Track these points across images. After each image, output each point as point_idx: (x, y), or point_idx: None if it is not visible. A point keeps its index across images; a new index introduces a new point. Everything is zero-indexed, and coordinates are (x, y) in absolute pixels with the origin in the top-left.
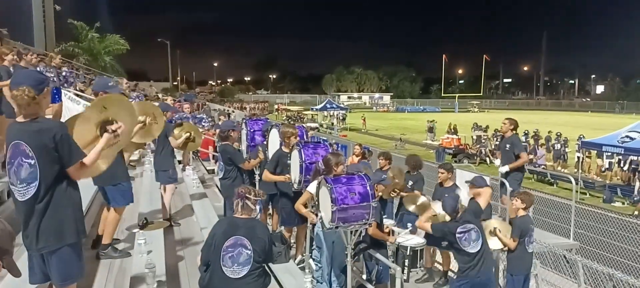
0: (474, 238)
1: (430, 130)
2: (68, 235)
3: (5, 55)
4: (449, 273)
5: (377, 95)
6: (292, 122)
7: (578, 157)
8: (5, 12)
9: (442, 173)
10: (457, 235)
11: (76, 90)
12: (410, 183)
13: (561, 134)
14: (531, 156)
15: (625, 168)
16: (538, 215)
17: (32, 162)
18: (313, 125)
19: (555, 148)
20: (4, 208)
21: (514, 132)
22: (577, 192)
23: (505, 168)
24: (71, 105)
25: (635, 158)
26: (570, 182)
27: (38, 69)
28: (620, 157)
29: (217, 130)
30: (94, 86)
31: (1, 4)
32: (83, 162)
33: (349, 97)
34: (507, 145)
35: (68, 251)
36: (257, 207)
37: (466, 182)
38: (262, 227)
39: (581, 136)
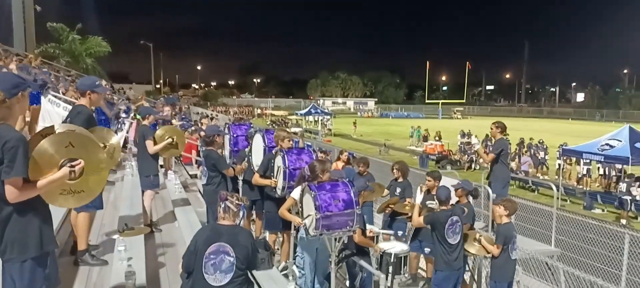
0: (457, 231)
1: (425, 139)
2: (31, 248)
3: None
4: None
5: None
6: (276, 127)
7: (559, 164)
8: None
9: (429, 180)
10: (447, 225)
11: (57, 92)
12: (399, 190)
13: (543, 141)
14: (513, 163)
15: (607, 174)
16: (519, 221)
17: None
18: (297, 130)
19: (539, 155)
20: None
21: (503, 135)
22: (558, 199)
23: None
24: (50, 107)
25: (619, 166)
26: (551, 189)
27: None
28: (600, 165)
29: (202, 134)
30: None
31: None
32: (27, 183)
33: (334, 102)
34: (490, 147)
35: (31, 264)
36: (240, 213)
37: (452, 185)
38: (246, 234)
39: (564, 144)
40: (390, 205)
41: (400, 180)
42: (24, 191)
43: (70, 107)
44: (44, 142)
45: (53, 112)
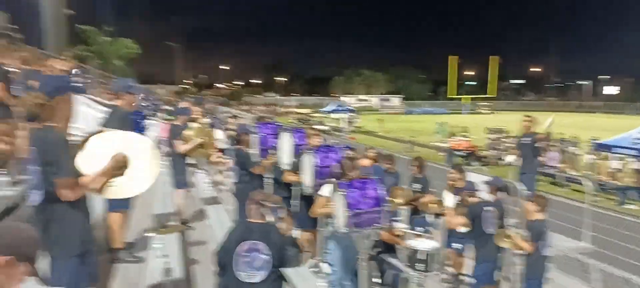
0: (493, 221)
1: (453, 135)
2: (74, 247)
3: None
4: (461, 276)
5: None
6: (302, 124)
7: (590, 159)
8: (17, 17)
9: (453, 174)
10: (483, 215)
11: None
12: (418, 186)
13: (577, 137)
14: (542, 158)
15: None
16: (550, 217)
17: (35, 169)
18: (322, 127)
19: (569, 150)
20: (22, 212)
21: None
22: (590, 194)
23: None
24: (85, 109)
25: None
26: (582, 184)
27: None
28: (633, 159)
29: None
30: (114, 87)
31: (13, 8)
32: (77, 182)
33: (358, 100)
34: (528, 139)
35: (74, 261)
36: (273, 214)
37: (484, 182)
38: (277, 232)
39: (595, 138)
40: (411, 202)
41: (419, 175)
42: (76, 189)
43: (103, 108)
44: (91, 142)
45: (87, 113)
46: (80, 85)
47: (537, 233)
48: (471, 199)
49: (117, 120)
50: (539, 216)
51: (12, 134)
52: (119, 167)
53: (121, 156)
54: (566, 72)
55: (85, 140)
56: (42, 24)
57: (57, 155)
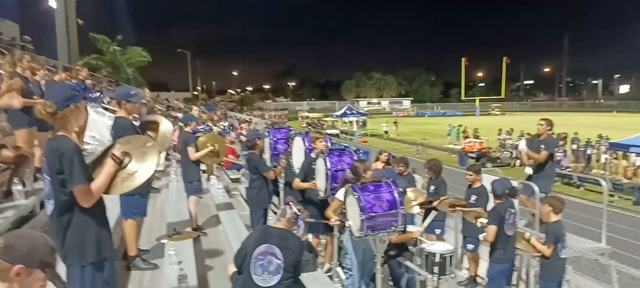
0: (512, 222)
1: (466, 137)
2: (89, 254)
3: (36, 71)
4: (477, 279)
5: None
6: (312, 129)
7: (605, 159)
8: (29, 27)
9: (470, 175)
10: (506, 217)
11: (104, 103)
12: (433, 188)
13: (603, 136)
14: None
15: None
16: (567, 218)
17: (48, 178)
18: (333, 131)
19: (587, 151)
20: (36, 221)
21: (550, 132)
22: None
23: (529, 171)
24: (96, 117)
25: None
26: (598, 184)
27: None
28: None
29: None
30: (116, 95)
31: (26, 19)
32: (90, 187)
33: (369, 103)
34: (542, 146)
35: (90, 269)
36: (297, 222)
37: (491, 182)
38: (295, 240)
39: (606, 137)
40: (425, 204)
41: (434, 178)
42: (92, 194)
43: (113, 116)
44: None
45: (99, 121)
46: (96, 94)
47: (554, 235)
48: (496, 200)
49: (120, 129)
50: (555, 218)
51: (26, 142)
52: (118, 162)
53: (117, 150)
54: (578, 71)
55: (105, 151)
56: (54, 34)
57: (70, 164)
